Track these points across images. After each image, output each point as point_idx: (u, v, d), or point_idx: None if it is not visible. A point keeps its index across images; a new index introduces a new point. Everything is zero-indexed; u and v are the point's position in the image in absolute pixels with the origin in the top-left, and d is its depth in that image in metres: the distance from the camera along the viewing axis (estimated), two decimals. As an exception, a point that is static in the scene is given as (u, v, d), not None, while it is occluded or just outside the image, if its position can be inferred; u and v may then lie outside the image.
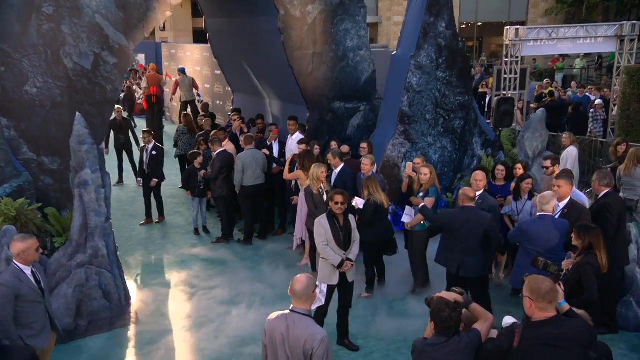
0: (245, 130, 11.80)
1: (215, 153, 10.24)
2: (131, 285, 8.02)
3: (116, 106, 14.89)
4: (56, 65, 8.45)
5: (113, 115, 11.75)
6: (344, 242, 6.44)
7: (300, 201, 9.08)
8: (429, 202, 7.84)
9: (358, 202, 7.92)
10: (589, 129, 15.06)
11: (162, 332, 7.17)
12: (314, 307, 6.42)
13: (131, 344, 6.93)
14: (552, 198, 6.43)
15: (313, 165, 8.27)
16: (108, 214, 7.15)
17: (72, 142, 6.91)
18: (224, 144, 10.57)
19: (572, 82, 21.86)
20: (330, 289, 6.52)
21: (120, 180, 14.15)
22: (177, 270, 9.08)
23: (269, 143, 10.50)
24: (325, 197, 8.05)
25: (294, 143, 10.12)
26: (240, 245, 10.11)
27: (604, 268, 5.61)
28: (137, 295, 7.97)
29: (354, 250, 6.58)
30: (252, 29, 11.60)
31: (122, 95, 21.84)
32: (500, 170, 8.52)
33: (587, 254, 5.62)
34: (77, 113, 7.00)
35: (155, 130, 15.36)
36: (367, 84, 11.35)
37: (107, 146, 13.59)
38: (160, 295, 8.18)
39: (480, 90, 19.09)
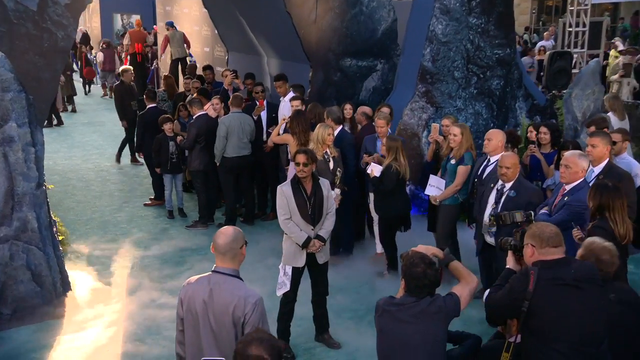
0: (242, 87, 11.68)
1: (194, 117, 10.17)
2: (74, 273, 8.01)
3: (124, 66, 15.00)
4: (-7, 4, 8.47)
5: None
6: (312, 215, 6.27)
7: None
8: (463, 171, 7.69)
9: (375, 170, 7.91)
10: None
11: (104, 328, 7.11)
12: (278, 294, 6.37)
13: (63, 338, 6.88)
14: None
15: (318, 125, 8.20)
16: (40, 178, 7.12)
17: (-8, 89, 6.88)
18: (205, 107, 10.49)
19: None
20: (296, 271, 6.37)
21: (118, 160, 13.98)
22: (137, 258, 9.03)
23: (254, 117, 10.26)
24: (331, 164, 8.02)
25: (286, 106, 9.91)
26: (220, 230, 10.00)
27: (622, 237, 5.33)
28: (79, 284, 7.94)
29: (327, 225, 6.41)
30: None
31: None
32: (544, 132, 8.30)
33: (601, 218, 5.39)
34: (0, 53, 6.96)
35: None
36: (385, 36, 11.16)
37: (122, 117, 13.57)
38: (109, 286, 8.16)
39: (538, 57, 18.57)
